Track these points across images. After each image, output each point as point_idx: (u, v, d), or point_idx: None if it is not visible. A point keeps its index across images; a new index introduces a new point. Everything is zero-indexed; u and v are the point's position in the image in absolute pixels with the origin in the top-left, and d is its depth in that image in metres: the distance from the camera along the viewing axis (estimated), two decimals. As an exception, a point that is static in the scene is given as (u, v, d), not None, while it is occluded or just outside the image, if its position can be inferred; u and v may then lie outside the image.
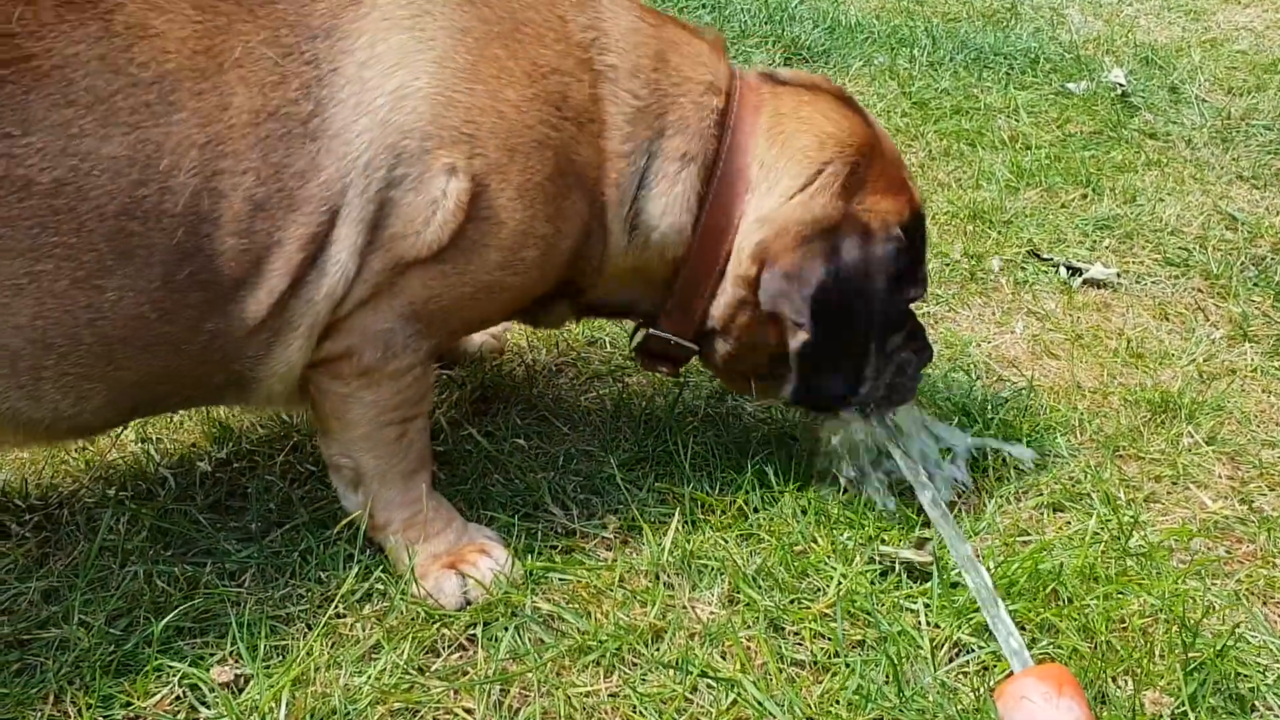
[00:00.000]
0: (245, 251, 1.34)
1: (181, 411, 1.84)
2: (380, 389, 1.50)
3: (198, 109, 1.31)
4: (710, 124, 1.58)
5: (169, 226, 1.30)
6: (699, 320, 1.65)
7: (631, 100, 1.54)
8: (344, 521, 1.58)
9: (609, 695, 1.42)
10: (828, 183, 1.57)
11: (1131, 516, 1.73)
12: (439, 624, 1.50)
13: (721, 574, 1.60)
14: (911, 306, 1.71)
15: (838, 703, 1.41)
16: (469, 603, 1.53)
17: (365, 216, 1.38)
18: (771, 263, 1.56)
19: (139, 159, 1.28)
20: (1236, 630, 1.52)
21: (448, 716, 1.38)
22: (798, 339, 1.58)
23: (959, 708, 1.39)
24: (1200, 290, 2.50)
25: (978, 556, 1.57)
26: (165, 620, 1.46)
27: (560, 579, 1.58)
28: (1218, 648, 1.46)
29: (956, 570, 1.57)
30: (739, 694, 1.41)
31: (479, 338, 2.06)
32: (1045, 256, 2.58)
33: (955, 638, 1.51)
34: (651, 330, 1.70)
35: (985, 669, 1.47)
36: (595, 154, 1.52)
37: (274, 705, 1.36)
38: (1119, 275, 2.52)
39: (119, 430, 1.81)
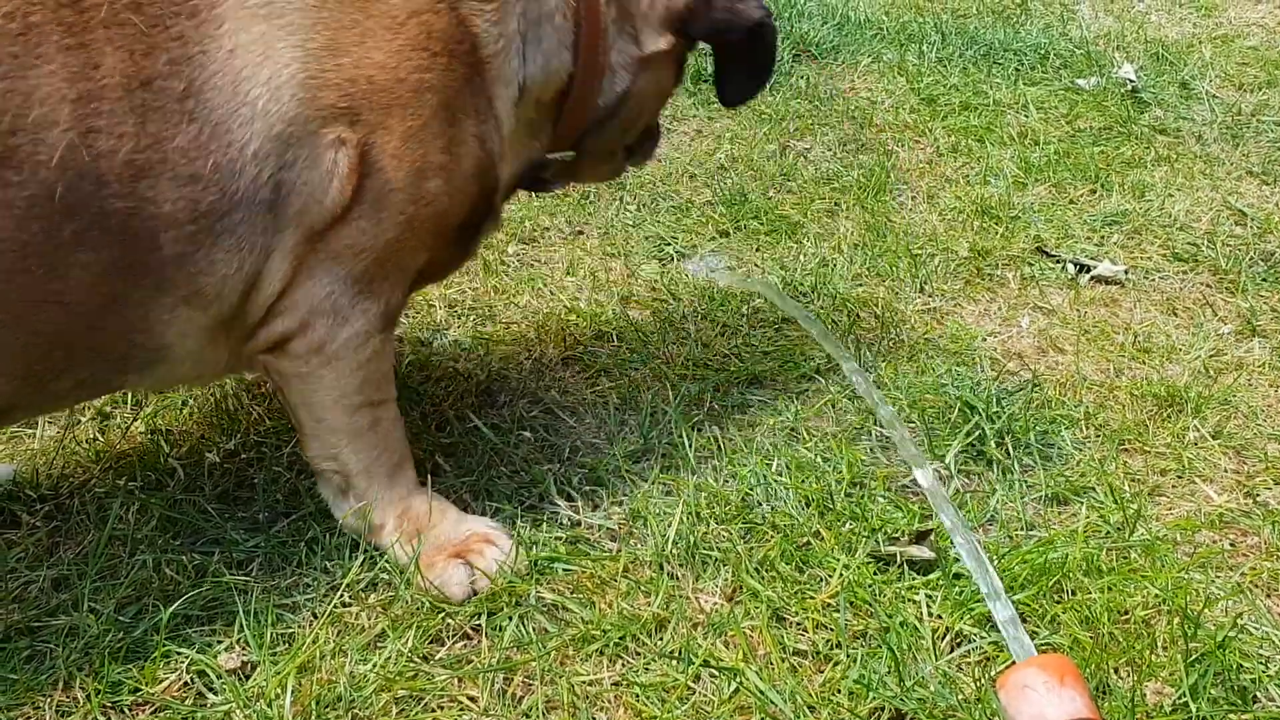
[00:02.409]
0: (132, 215, 1.35)
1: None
2: (339, 365, 1.52)
3: (66, 64, 1.32)
4: None
5: (46, 180, 1.31)
6: (583, 123, 1.73)
7: (488, 4, 1.56)
8: (343, 518, 1.60)
9: (612, 684, 1.43)
10: None
11: (1135, 509, 1.73)
12: (443, 614, 1.51)
13: (724, 565, 1.61)
14: None
15: (839, 692, 1.42)
16: (475, 593, 1.54)
17: (263, 198, 1.41)
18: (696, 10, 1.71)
19: (9, 108, 1.29)
20: (1238, 622, 1.52)
21: (452, 704, 1.39)
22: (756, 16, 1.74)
23: (960, 697, 1.40)
24: (1209, 285, 2.49)
25: (980, 544, 1.57)
26: (173, 608, 1.48)
27: (565, 569, 1.59)
28: (1219, 639, 1.47)
29: (959, 561, 1.57)
30: (741, 683, 1.42)
31: None
32: (1052, 253, 2.58)
33: (957, 629, 1.51)
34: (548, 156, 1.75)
35: (987, 659, 1.47)
36: (473, 67, 1.54)
37: (280, 692, 1.37)
38: (1127, 272, 2.51)
39: (127, 426, 1.83)
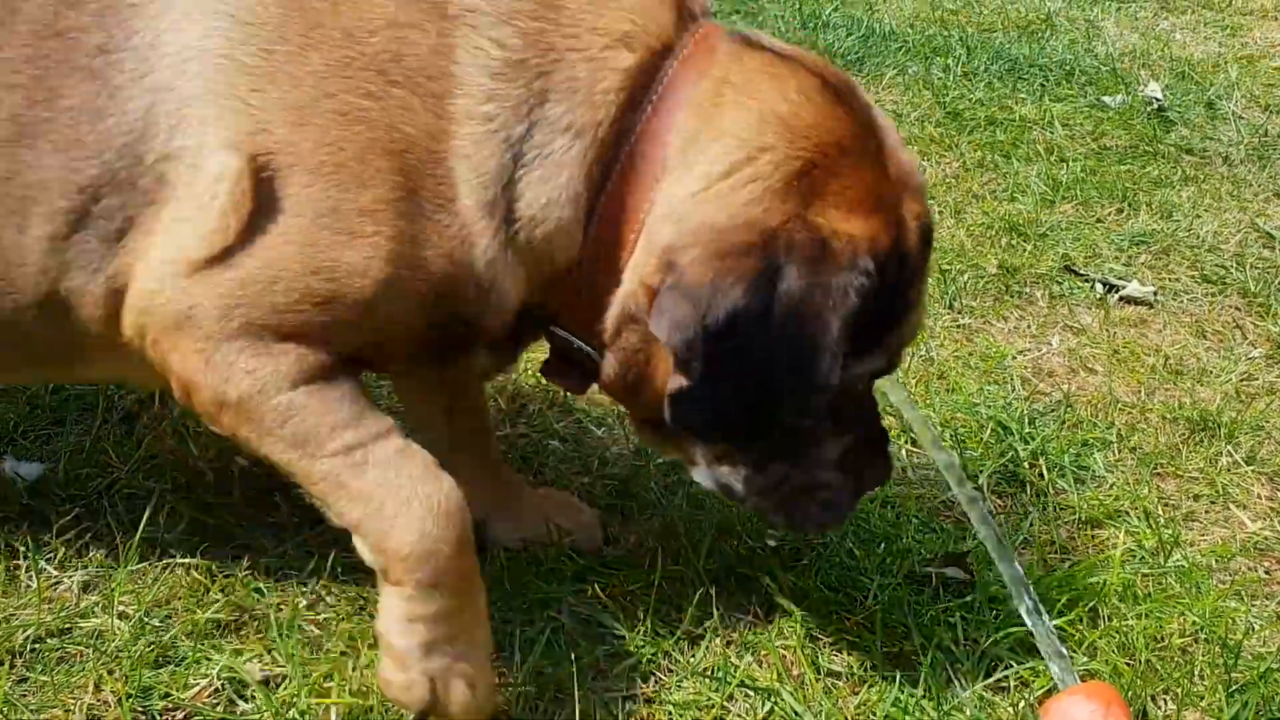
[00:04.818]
0: (7, 180, 1.21)
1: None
2: (260, 423, 1.24)
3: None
4: (610, 87, 1.24)
5: None
6: (599, 331, 1.32)
7: (496, 51, 1.22)
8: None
9: (645, 701, 1.42)
10: (761, 173, 1.21)
11: (1171, 535, 1.72)
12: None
13: (758, 583, 1.59)
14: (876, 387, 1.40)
15: (874, 714, 1.41)
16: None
17: (143, 187, 1.20)
18: (676, 274, 1.21)
19: None
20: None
21: (484, 718, 1.38)
22: (675, 381, 1.24)
23: (998, 723, 1.39)
24: (1238, 308, 2.48)
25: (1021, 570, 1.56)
26: (204, 614, 1.47)
27: (597, 583, 1.58)
28: (1260, 670, 1.45)
29: (997, 585, 1.56)
30: (776, 703, 1.41)
31: None
32: (1080, 272, 2.57)
33: (993, 653, 1.50)
34: (553, 327, 1.38)
35: (1024, 683, 1.46)
36: (435, 119, 1.21)
37: (311, 703, 1.36)
38: (1156, 294, 2.50)
39: (154, 427, 1.82)
